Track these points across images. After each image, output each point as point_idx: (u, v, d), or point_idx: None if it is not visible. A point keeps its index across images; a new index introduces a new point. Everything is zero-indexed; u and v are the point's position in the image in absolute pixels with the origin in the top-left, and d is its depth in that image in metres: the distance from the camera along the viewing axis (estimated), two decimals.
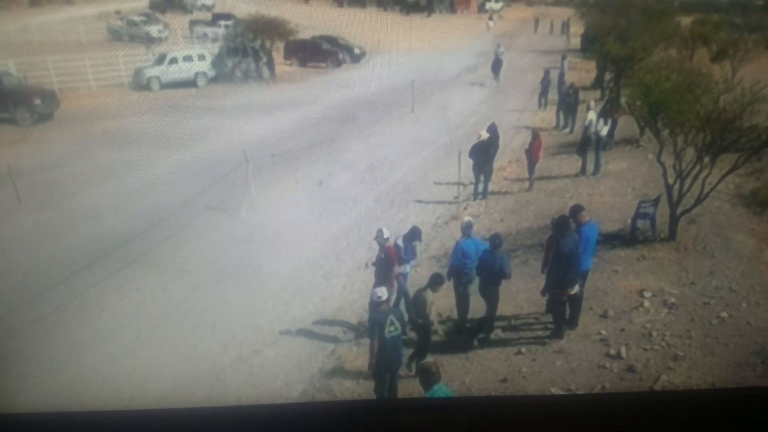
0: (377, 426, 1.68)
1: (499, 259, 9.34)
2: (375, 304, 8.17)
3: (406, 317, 8.77)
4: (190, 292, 11.53)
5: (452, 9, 73.14)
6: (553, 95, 24.17)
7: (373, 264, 10.14)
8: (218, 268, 12.45)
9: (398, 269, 10.15)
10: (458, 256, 9.90)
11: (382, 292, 8.19)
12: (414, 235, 10.46)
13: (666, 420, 1.68)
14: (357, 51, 40.53)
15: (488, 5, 71.84)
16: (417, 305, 8.74)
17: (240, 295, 11.34)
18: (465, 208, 14.82)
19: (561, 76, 26.10)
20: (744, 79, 13.11)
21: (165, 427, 1.70)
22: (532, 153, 16.49)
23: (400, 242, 10.32)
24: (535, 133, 16.83)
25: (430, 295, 8.64)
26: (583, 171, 16.85)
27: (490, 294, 9.49)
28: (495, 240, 9.54)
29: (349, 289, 11.79)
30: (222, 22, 47.08)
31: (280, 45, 38.32)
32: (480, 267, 9.55)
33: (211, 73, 32.94)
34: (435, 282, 8.74)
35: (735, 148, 11.72)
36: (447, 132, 21.35)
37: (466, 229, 10.15)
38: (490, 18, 60.48)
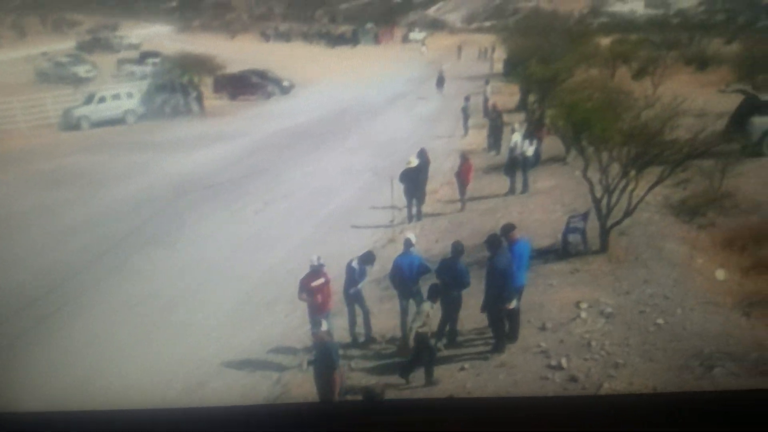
0: (376, 426, 1.62)
1: (458, 267, 9.66)
2: (318, 337, 8.17)
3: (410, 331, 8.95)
4: (133, 328, 11.18)
5: (377, 40, 74.17)
6: (480, 119, 24.66)
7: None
8: (160, 303, 12.17)
9: (352, 289, 10.49)
10: (393, 271, 10.39)
11: (324, 325, 8.39)
12: (368, 258, 10.74)
13: (666, 420, 1.65)
14: (286, 83, 40.62)
15: (411, 35, 73.21)
16: (418, 318, 8.89)
17: (183, 328, 11.12)
18: (401, 232, 14.82)
19: (485, 101, 26.78)
20: (664, 95, 13.67)
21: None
22: (462, 175, 16.79)
23: (355, 264, 10.51)
24: (464, 157, 17.18)
25: (428, 306, 8.93)
26: (512, 190, 17.16)
27: (450, 301, 9.67)
28: (456, 248, 9.86)
29: (291, 316, 11.59)
30: (149, 60, 46.89)
31: (209, 80, 38.29)
32: (440, 275, 9.78)
33: (141, 110, 32.51)
34: (433, 293, 9.12)
35: (659, 161, 12.11)
36: (380, 158, 21.42)
37: (406, 245, 10.53)
38: (423, 44, 62.03)
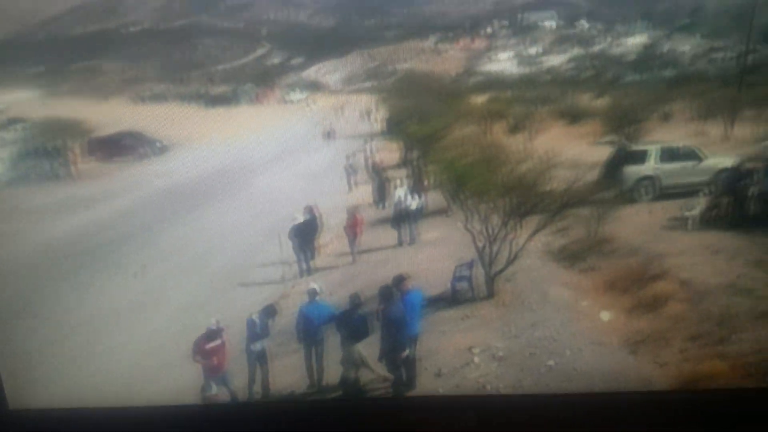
0: (387, 423, 1.58)
1: (357, 318, 9.85)
2: (208, 399, 7.96)
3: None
4: None
5: (257, 99, 73.97)
6: (366, 176, 25.25)
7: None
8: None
9: (255, 346, 10.48)
10: (299, 320, 10.51)
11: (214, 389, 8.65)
12: (270, 312, 10.73)
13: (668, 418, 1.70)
14: (160, 144, 39.73)
15: (291, 96, 73.64)
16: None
17: None
18: (293, 287, 14.66)
19: (368, 158, 27.30)
20: (539, 149, 14.47)
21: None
22: (351, 229, 17.15)
23: (255, 318, 10.46)
24: (352, 211, 17.59)
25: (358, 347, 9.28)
26: (400, 242, 17.52)
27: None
28: (354, 300, 10.11)
29: (179, 380, 11.05)
30: (16, 126, 44.58)
31: (81, 143, 36.85)
32: (339, 327, 9.92)
33: (6, 177, 30.61)
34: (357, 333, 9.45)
35: (537, 211, 12.78)
36: (265, 215, 21.20)
37: (310, 294, 10.73)
38: (308, 103, 62.49)
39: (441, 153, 18.64)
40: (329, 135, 35.98)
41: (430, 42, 43.86)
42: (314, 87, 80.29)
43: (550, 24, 39.84)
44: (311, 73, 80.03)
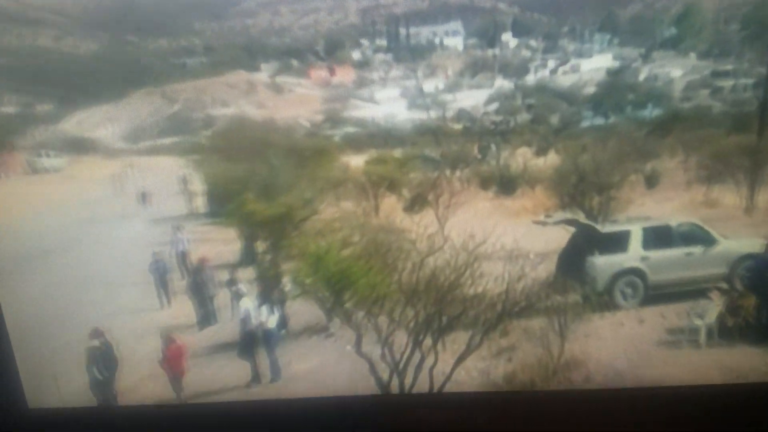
0: (397, 420, 1.77)
1: None
2: None
3: None
4: None
5: None
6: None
7: None
8: None
9: None
10: None
11: None
12: None
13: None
14: None
15: (42, 162, 71.33)
16: None
17: None
18: None
19: (182, 254, 26.73)
20: (456, 232, 14.71)
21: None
22: (170, 363, 17.11)
23: None
24: (169, 337, 17.59)
25: None
26: (256, 379, 17.38)
27: None
28: None
29: None
30: None
31: None
32: None
33: None
34: None
35: (464, 324, 12.99)
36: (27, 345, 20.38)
37: None
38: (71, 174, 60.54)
39: (304, 242, 18.63)
40: (143, 198, 34.09)
41: (263, 74, 39.37)
42: (78, 147, 78.31)
43: (454, 42, 33.85)
44: (71, 126, 78.23)
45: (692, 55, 28.60)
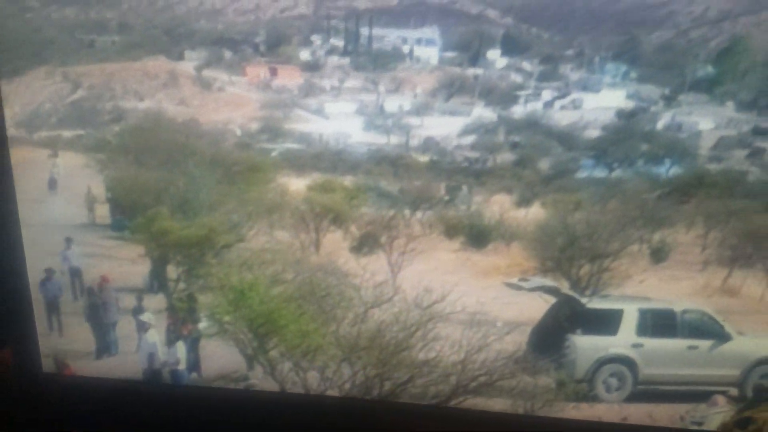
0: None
1: None
2: None
3: None
4: None
5: None
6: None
7: None
8: None
9: None
10: None
11: None
12: None
13: None
14: None
15: None
16: None
17: None
18: None
19: (74, 271, 25.01)
20: (410, 284, 13.70)
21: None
22: None
23: None
24: (63, 363, 17.15)
25: None
26: None
27: None
28: None
29: None
30: None
31: None
32: None
33: None
34: None
35: (411, 395, 12.09)
36: None
37: None
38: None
39: (225, 273, 17.44)
40: (51, 184, 31.17)
41: (188, 64, 33.84)
42: None
43: (427, 53, 29.27)
44: None
45: (730, 104, 24.26)
